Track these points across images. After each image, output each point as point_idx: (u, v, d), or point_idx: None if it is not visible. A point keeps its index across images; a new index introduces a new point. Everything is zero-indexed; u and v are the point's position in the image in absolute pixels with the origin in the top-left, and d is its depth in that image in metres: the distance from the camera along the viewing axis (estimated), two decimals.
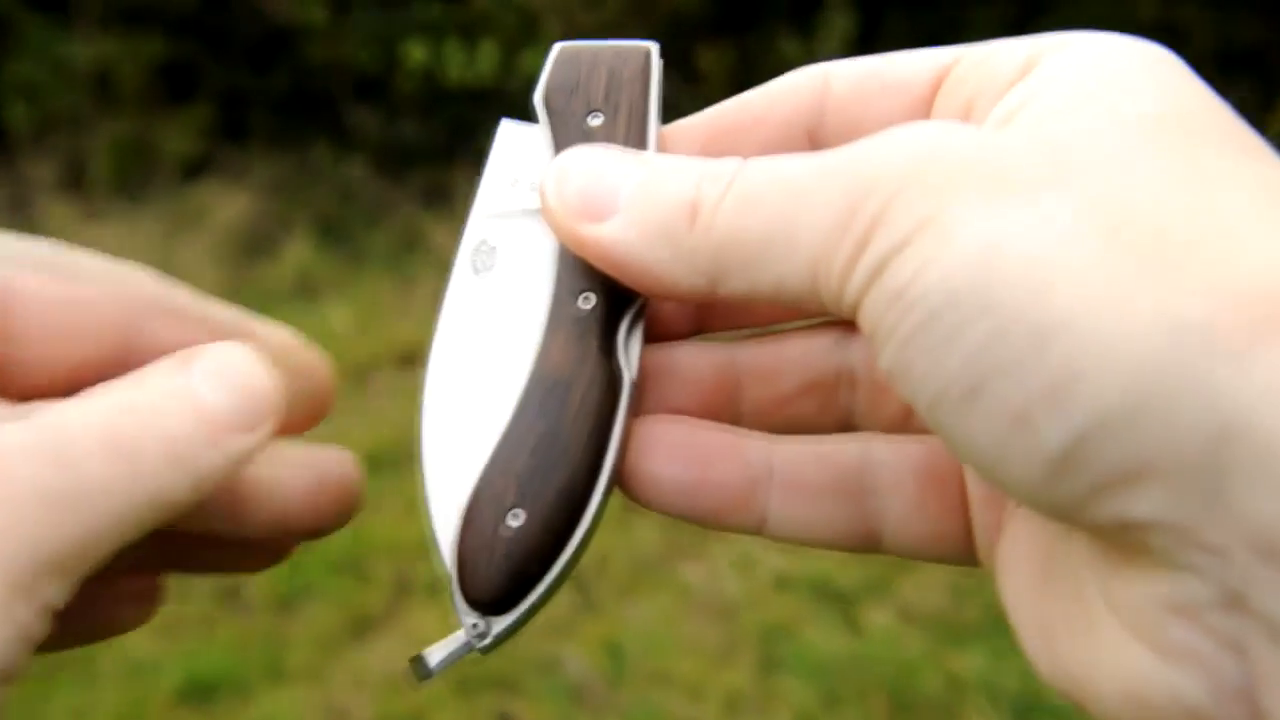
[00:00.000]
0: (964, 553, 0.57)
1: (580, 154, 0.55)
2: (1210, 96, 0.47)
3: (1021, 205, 0.42)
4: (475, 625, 0.56)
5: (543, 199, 0.55)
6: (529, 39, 5.47)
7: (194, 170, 5.90)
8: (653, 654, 3.02)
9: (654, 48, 0.61)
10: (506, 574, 0.55)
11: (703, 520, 0.57)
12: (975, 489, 0.56)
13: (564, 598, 3.11)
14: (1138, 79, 0.47)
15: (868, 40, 4.88)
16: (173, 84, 6.12)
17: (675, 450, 0.56)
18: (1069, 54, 0.50)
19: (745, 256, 0.48)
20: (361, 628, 3.18)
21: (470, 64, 5.54)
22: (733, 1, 5.25)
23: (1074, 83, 0.48)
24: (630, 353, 0.57)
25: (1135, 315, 0.39)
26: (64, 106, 6.02)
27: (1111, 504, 0.40)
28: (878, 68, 0.56)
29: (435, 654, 0.58)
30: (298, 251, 5.32)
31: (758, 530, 0.57)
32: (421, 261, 5.14)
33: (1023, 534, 0.51)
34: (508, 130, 0.66)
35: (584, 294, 0.56)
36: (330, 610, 3.22)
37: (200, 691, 3.00)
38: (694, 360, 0.59)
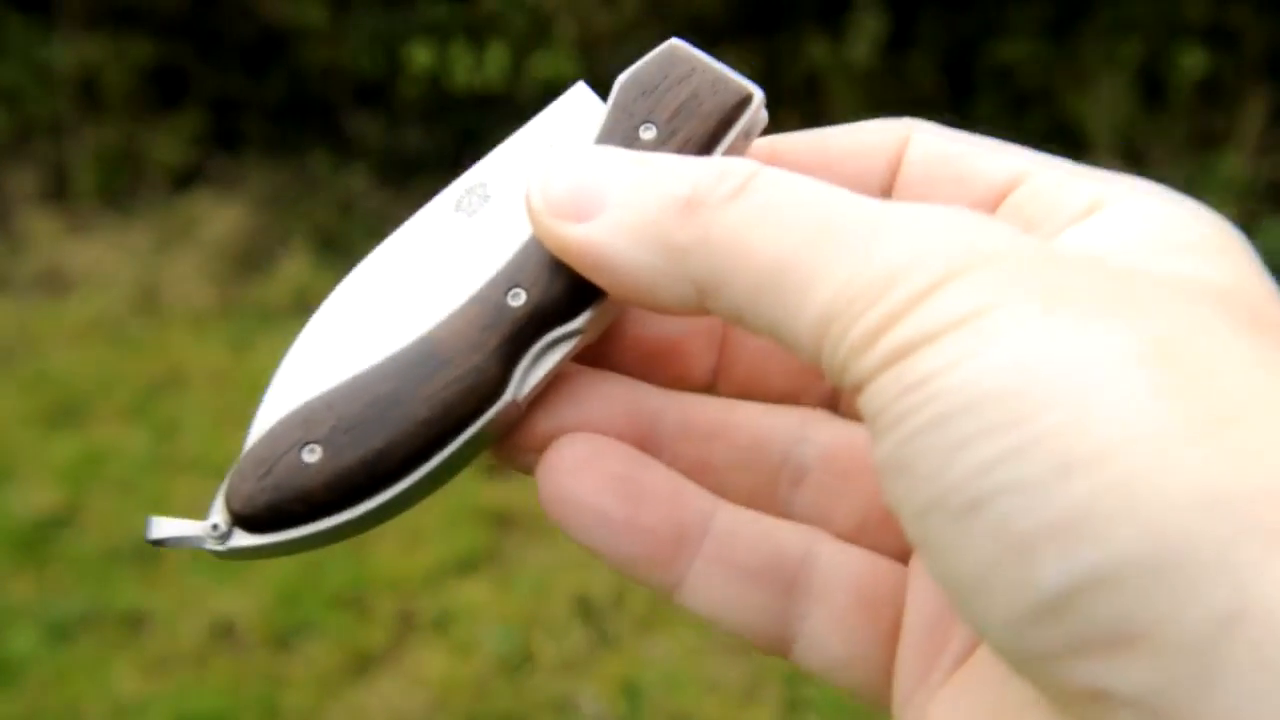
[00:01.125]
0: (875, 689, 0.56)
1: (577, 151, 0.53)
2: (1274, 286, 0.46)
3: (1079, 327, 0.41)
4: (216, 527, 0.55)
5: (526, 196, 0.54)
6: (540, 41, 5.48)
7: (184, 180, 5.91)
8: (672, 693, 3.02)
9: (758, 95, 0.59)
10: (270, 498, 0.54)
11: (615, 564, 0.55)
12: (914, 630, 0.54)
13: (578, 633, 3.11)
14: (1209, 249, 0.47)
15: (899, 43, 4.89)
16: (162, 89, 6.13)
17: (610, 480, 0.55)
18: (1137, 205, 0.49)
19: (748, 271, 0.46)
20: (362, 666, 3.18)
21: (478, 68, 5.56)
22: (758, 2, 5.26)
23: (1143, 236, 0.47)
24: (531, 373, 0.55)
25: (1176, 472, 0.38)
26: (46, 113, 6.04)
27: (1091, 667, 0.39)
28: (956, 154, 0.56)
29: (165, 526, 0.57)
30: (295, 266, 5.33)
31: (667, 593, 0.56)
32: None
33: (966, 698, 0.50)
34: (579, 94, 0.63)
35: (515, 289, 0.55)
36: (329, 647, 3.22)
37: None
38: (607, 394, 0.57)
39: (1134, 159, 4.47)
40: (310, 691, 3.11)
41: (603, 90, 0.61)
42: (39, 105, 6.04)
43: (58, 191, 5.91)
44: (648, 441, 0.57)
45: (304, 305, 5.03)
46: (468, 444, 0.54)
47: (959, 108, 4.88)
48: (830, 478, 0.59)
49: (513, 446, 0.57)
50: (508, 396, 0.54)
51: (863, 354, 0.43)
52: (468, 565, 3.42)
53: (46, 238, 5.60)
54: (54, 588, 3.45)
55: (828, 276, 0.44)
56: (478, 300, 0.55)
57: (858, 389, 0.44)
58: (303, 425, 0.55)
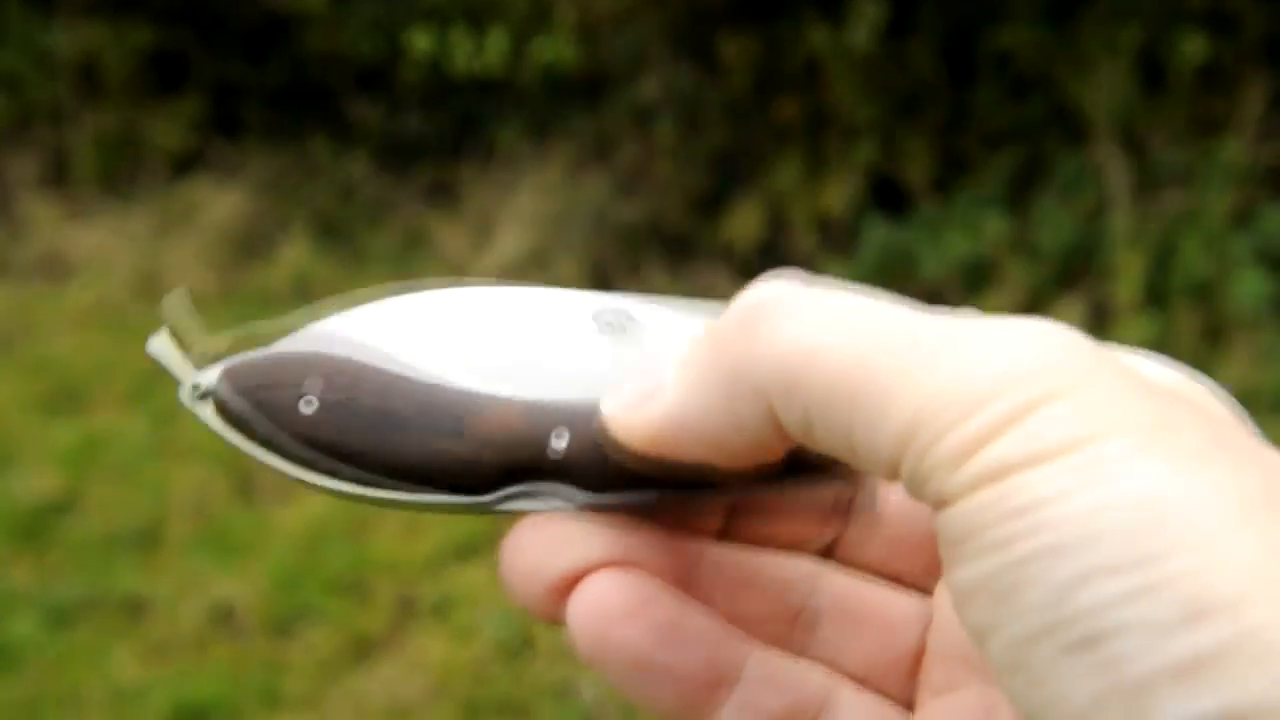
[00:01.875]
0: None
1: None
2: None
3: (1197, 468, 0.40)
4: (197, 386, 0.57)
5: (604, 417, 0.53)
6: (541, 26, 5.47)
7: (184, 166, 5.90)
8: None
9: None
10: (249, 414, 0.56)
11: (647, 706, 0.53)
12: None
13: None
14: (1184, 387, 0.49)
15: (899, 29, 4.88)
16: (161, 74, 6.12)
17: (658, 627, 0.53)
18: None
19: (822, 373, 0.45)
20: (362, 651, 3.18)
21: (478, 53, 5.54)
22: None
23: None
24: (519, 502, 0.54)
25: None
26: (46, 98, 6.03)
27: None
28: None
29: (163, 350, 0.59)
30: (294, 252, 5.33)
31: None
32: (426, 263, 5.13)
33: None
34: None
35: (558, 430, 0.54)
36: (329, 633, 3.22)
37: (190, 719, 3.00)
38: (650, 528, 0.55)
39: (1133, 145, 4.47)
40: (310, 677, 3.10)
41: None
42: (39, 91, 6.03)
43: (57, 177, 5.90)
44: (688, 583, 0.56)
45: (304, 291, 5.02)
46: (434, 505, 0.55)
47: (959, 93, 4.87)
48: (842, 625, 0.58)
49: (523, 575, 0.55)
50: (484, 499, 0.54)
51: (954, 469, 0.42)
52: (468, 550, 3.42)
53: (46, 223, 5.60)
54: (53, 573, 3.45)
55: (915, 384, 0.44)
56: (533, 410, 0.54)
57: (942, 503, 0.43)
58: (324, 376, 0.55)
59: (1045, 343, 0.44)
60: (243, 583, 3.37)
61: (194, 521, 3.62)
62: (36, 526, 3.63)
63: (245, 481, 3.78)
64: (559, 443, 0.53)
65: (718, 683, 0.54)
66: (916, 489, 0.44)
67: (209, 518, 3.64)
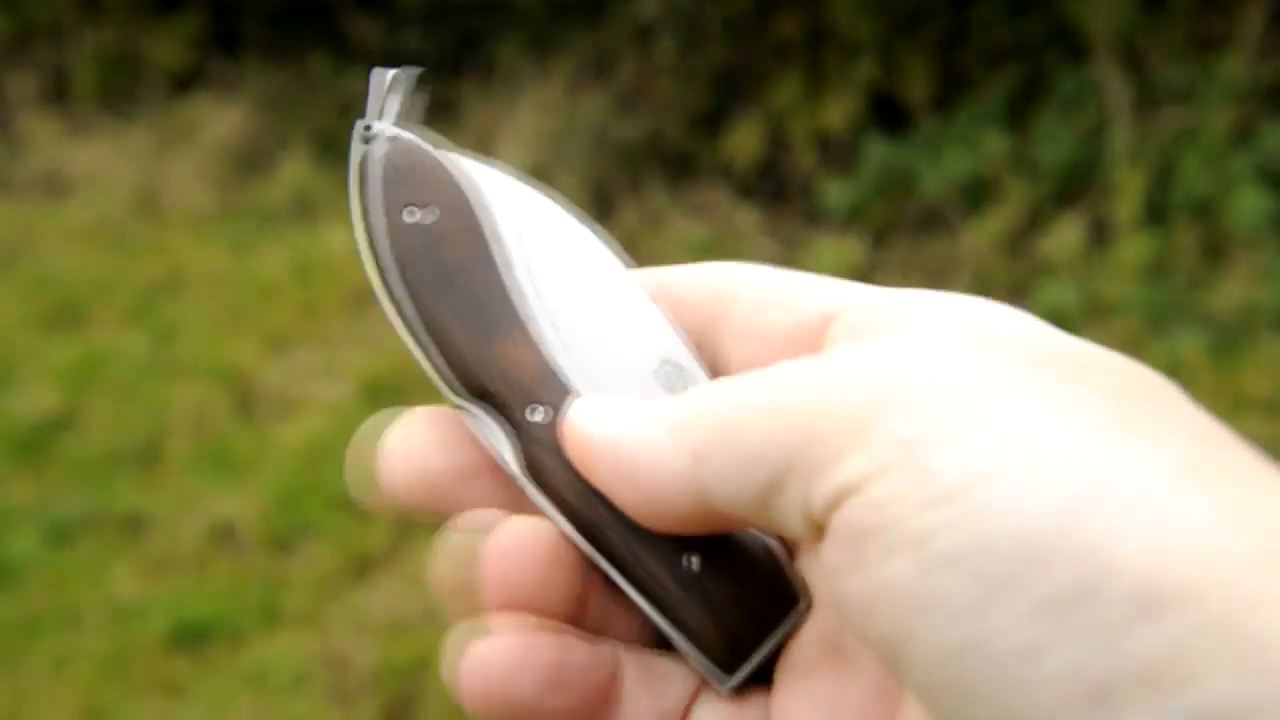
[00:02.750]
0: None
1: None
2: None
3: (1114, 440, 0.39)
4: (369, 128, 0.62)
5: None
6: None
7: (184, 83, 5.89)
8: None
9: None
10: (381, 180, 0.60)
11: None
12: None
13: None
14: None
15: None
16: None
17: (544, 672, 0.52)
18: (959, 311, 0.48)
19: (735, 450, 0.46)
20: (362, 569, 3.18)
21: None
22: None
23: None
24: (466, 417, 0.57)
25: (1263, 608, 0.35)
26: (44, 15, 6.01)
27: None
28: (783, 285, 0.55)
29: (385, 79, 0.65)
30: (295, 169, 5.31)
31: None
32: None
33: None
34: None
35: (545, 406, 0.56)
36: (329, 550, 3.22)
37: (190, 637, 3.00)
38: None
39: (1133, 62, 4.46)
40: (310, 593, 3.11)
41: None
42: (38, 8, 6.01)
43: (57, 94, 5.89)
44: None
45: (304, 207, 5.02)
46: (423, 368, 0.59)
47: (959, 10, 4.86)
48: None
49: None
50: (453, 397, 0.58)
51: (856, 457, 0.42)
52: None
53: (46, 140, 5.59)
54: (53, 490, 3.45)
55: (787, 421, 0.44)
56: (549, 373, 0.56)
57: (842, 498, 0.42)
58: (443, 207, 0.59)
59: (913, 348, 0.44)
60: (243, 500, 3.37)
61: (194, 439, 3.62)
62: (36, 444, 3.63)
63: (245, 398, 3.78)
64: (536, 415, 0.55)
65: (605, 699, 0.53)
66: (811, 505, 0.43)
67: (209, 435, 3.65)
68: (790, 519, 0.44)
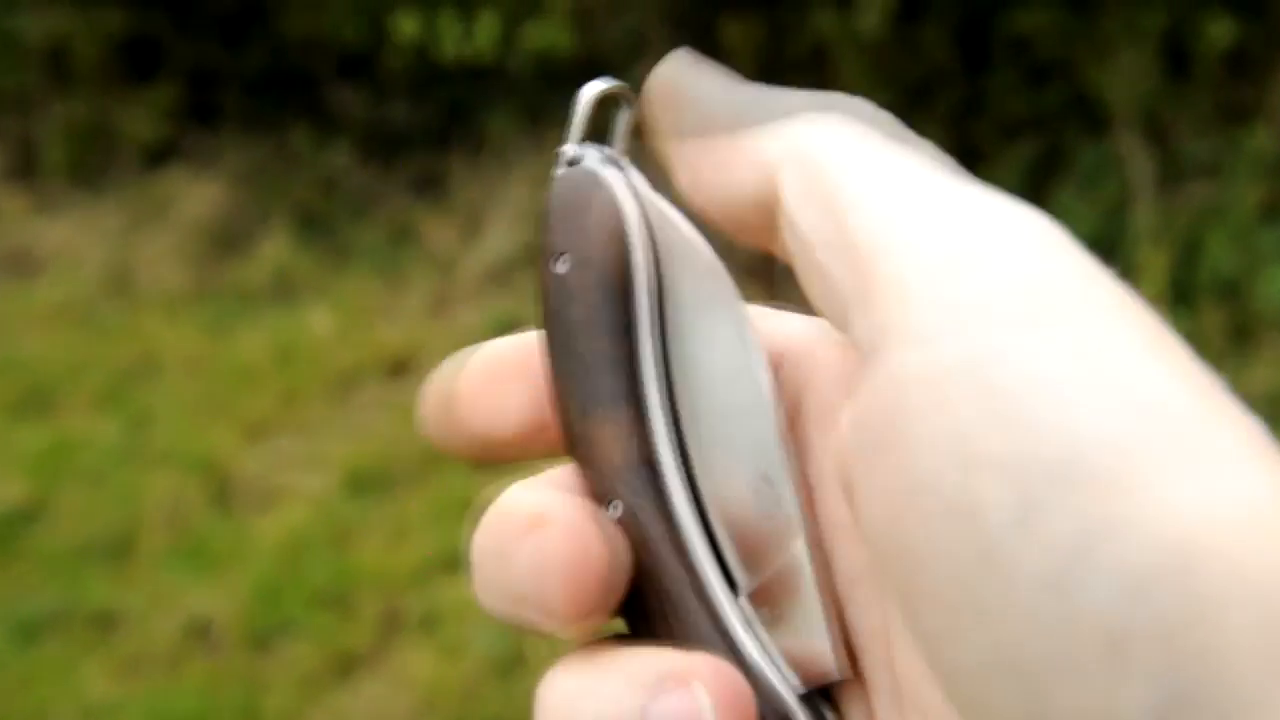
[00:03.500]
0: None
1: None
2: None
3: (1158, 368, 0.41)
4: (574, 160, 0.57)
5: None
6: (533, 10, 5.48)
7: (158, 157, 5.90)
8: None
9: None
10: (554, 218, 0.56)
11: None
12: None
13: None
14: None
15: (911, 13, 4.88)
16: (134, 61, 6.12)
17: None
18: None
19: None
20: (345, 668, 3.18)
21: (467, 38, 5.55)
22: None
23: None
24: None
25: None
26: (13, 86, 6.03)
27: None
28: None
29: (594, 93, 0.58)
30: (274, 247, 5.32)
31: None
32: (413, 259, 5.14)
33: None
34: None
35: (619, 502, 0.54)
36: (311, 648, 3.22)
37: None
38: None
39: (1157, 134, 4.47)
40: (291, 694, 3.11)
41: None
42: (6, 79, 6.04)
43: (25, 168, 5.90)
44: None
45: (285, 287, 5.03)
46: None
47: (974, 80, 4.88)
48: None
49: None
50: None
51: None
52: (456, 562, 3.42)
53: (14, 217, 5.60)
54: (20, 585, 3.45)
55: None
56: (636, 468, 0.53)
57: (880, 343, 0.44)
58: (584, 254, 0.55)
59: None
60: (220, 595, 3.37)
61: (168, 531, 3.62)
62: (3, 536, 3.64)
63: (222, 489, 3.79)
64: (615, 511, 0.53)
65: None
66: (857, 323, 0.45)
67: (184, 527, 3.65)
68: (833, 293, 0.46)
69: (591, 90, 0.58)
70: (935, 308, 0.42)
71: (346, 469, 3.83)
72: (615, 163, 0.56)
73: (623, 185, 0.55)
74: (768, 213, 0.49)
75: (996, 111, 4.81)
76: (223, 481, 3.82)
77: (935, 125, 4.80)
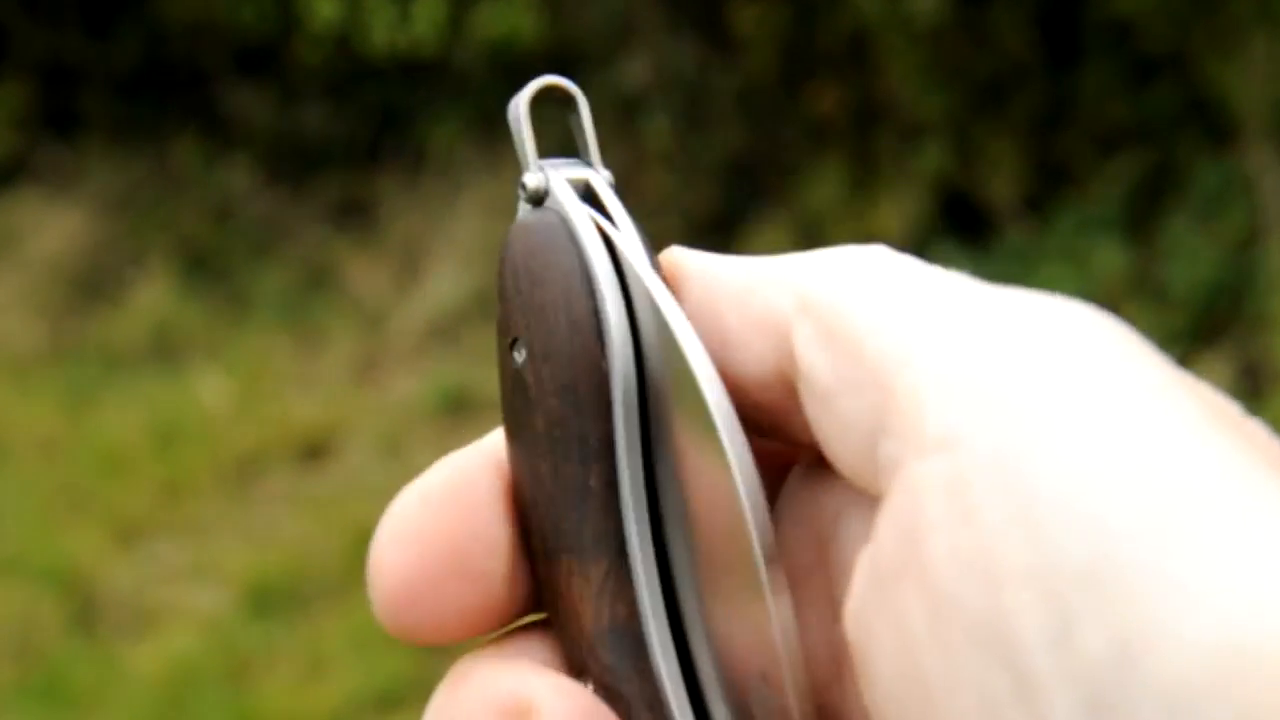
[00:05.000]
0: None
1: None
2: None
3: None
4: (525, 189, 0.55)
5: None
6: None
7: (2, 178, 5.92)
8: None
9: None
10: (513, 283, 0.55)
11: None
12: None
13: None
14: None
15: None
16: None
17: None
18: None
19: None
20: None
21: (402, 23, 5.57)
22: None
23: None
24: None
25: None
26: None
27: None
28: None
29: (519, 109, 0.57)
30: (153, 293, 5.33)
31: None
32: (332, 308, 5.15)
33: None
34: None
35: None
36: None
37: None
38: None
39: None
40: None
41: None
42: None
43: None
44: None
45: (165, 346, 5.04)
46: None
47: (1059, 79, 4.90)
48: None
49: None
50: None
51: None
52: (388, 701, 3.43)
53: None
54: None
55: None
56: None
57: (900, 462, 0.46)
58: (545, 333, 0.54)
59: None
60: None
61: (16, 662, 3.63)
62: None
63: (86, 607, 3.79)
64: (587, 684, 0.53)
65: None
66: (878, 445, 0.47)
67: (35, 657, 3.65)
68: (853, 436, 0.49)
69: (524, 97, 0.57)
70: (953, 408, 0.45)
71: (246, 582, 3.83)
72: (590, 192, 0.56)
73: (596, 242, 0.54)
74: (783, 376, 0.52)
75: (1090, 119, 4.83)
76: (86, 598, 3.82)
77: (1010, 136, 4.82)
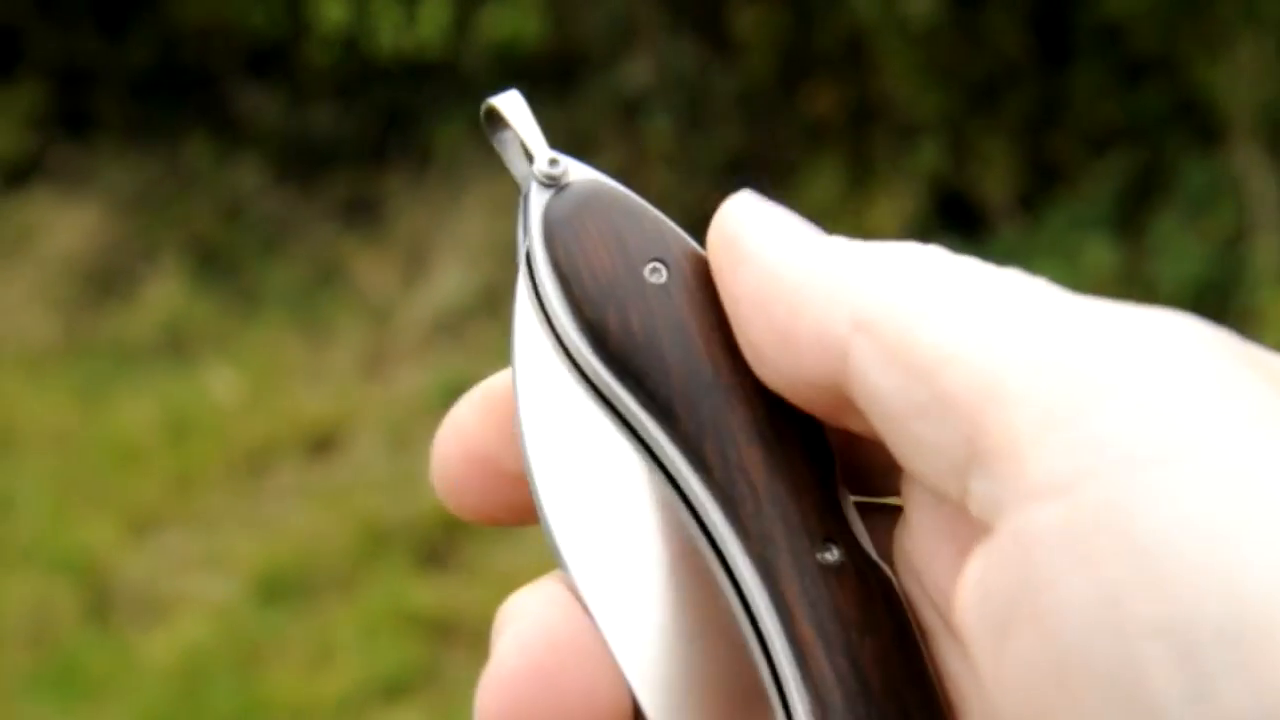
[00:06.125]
0: None
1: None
2: None
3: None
4: (552, 165, 0.60)
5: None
6: None
7: (18, 176, 5.91)
8: None
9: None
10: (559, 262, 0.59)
11: None
12: None
13: None
14: None
15: None
16: None
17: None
18: None
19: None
20: None
21: (409, 26, 5.56)
22: None
23: None
24: None
25: None
26: None
27: None
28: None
29: (515, 110, 0.61)
30: (164, 290, 5.33)
31: None
32: (339, 304, 5.14)
33: None
34: None
35: None
36: None
37: None
38: None
39: None
40: None
41: None
42: None
43: None
44: None
45: (177, 342, 5.03)
46: None
47: (1052, 79, 4.89)
48: None
49: None
50: None
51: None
52: (395, 688, 3.43)
53: None
54: None
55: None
56: None
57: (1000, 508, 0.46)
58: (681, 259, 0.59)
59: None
60: None
61: (31, 651, 3.62)
62: None
63: (100, 597, 3.78)
64: None
65: None
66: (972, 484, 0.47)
67: (50, 645, 3.65)
68: (937, 462, 0.48)
69: (507, 99, 0.62)
70: (1060, 453, 0.44)
71: (255, 572, 3.82)
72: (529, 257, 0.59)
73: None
74: (837, 390, 0.52)
75: (1081, 119, 4.83)
76: (99, 588, 3.81)
77: (1004, 136, 4.82)
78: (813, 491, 0.55)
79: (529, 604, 0.57)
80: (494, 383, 0.62)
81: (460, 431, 0.61)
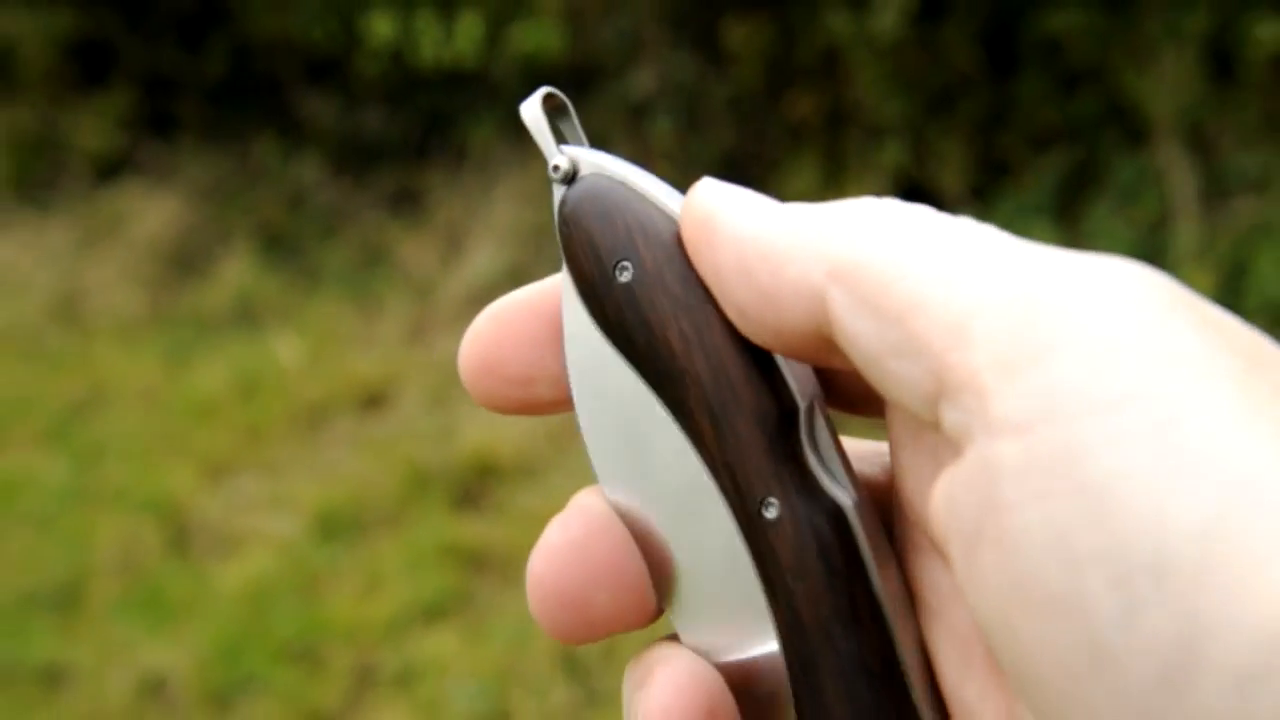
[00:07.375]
0: None
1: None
2: None
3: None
4: (557, 168, 0.61)
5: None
6: (518, 10, 5.49)
7: (110, 170, 5.91)
8: None
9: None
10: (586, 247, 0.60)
11: None
12: None
13: (561, 690, 3.09)
14: None
15: (932, 12, 4.89)
16: (85, 65, 6.13)
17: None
18: None
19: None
20: None
21: (447, 41, 5.55)
22: None
23: None
24: None
25: None
26: None
27: None
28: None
29: (535, 115, 0.62)
30: (237, 269, 5.33)
31: None
32: (387, 281, 5.14)
33: None
34: None
35: None
36: (276, 707, 3.21)
37: None
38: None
39: (1201, 146, 4.46)
40: None
41: None
42: None
43: None
44: None
45: (247, 313, 5.02)
46: None
47: (1000, 87, 4.88)
48: None
49: None
50: None
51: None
52: (435, 612, 3.42)
53: None
54: None
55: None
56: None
57: (968, 437, 0.46)
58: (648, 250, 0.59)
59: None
60: (177, 649, 3.36)
61: (120, 579, 3.62)
62: None
63: (179, 533, 3.78)
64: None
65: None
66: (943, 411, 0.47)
67: (137, 575, 3.64)
68: (911, 394, 0.49)
69: (537, 100, 0.62)
70: (1019, 396, 0.44)
71: (314, 511, 3.82)
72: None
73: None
74: (821, 336, 0.52)
75: (1025, 121, 4.81)
76: (180, 525, 3.81)
77: (958, 136, 4.81)
78: (756, 455, 0.57)
79: (572, 501, 0.61)
80: (500, 303, 0.66)
81: (476, 339, 0.65)
